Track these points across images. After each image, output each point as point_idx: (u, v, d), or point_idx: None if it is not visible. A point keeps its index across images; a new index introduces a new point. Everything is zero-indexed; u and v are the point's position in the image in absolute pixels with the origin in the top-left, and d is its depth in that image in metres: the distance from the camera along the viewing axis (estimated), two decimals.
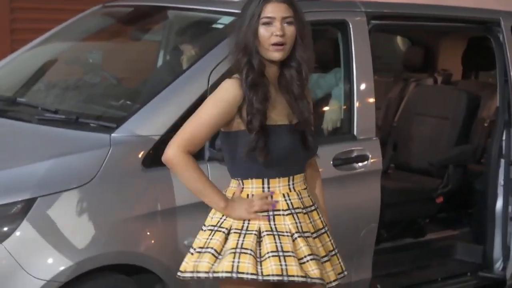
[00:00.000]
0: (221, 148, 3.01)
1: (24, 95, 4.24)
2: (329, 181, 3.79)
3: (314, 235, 2.88)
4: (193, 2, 4.37)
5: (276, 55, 2.71)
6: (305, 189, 2.93)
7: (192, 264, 2.83)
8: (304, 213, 2.88)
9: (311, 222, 2.89)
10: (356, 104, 4.04)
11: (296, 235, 2.78)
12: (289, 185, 2.87)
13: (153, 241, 3.42)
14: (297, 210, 2.85)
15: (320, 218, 2.95)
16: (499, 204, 4.67)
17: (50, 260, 3.13)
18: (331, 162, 3.90)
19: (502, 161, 4.64)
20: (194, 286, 3.51)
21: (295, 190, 2.88)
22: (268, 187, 2.85)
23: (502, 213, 4.66)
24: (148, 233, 3.40)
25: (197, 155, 3.51)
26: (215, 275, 2.74)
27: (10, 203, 3.08)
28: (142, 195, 3.41)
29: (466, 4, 5.15)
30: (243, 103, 2.73)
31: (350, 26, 4.05)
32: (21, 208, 3.09)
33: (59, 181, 3.21)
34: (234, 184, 2.90)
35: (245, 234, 2.76)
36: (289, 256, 2.72)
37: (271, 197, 2.84)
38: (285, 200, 2.85)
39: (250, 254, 2.70)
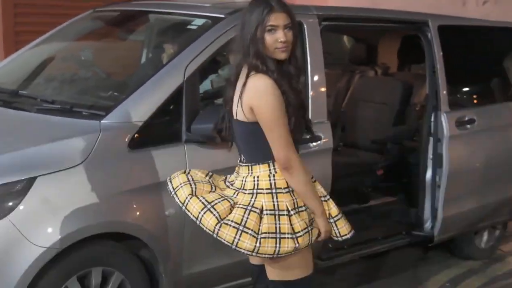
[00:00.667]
0: (242, 137, 2.79)
1: (25, 88, 4.11)
2: None
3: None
4: (171, 7, 4.26)
5: (282, 55, 2.67)
6: None
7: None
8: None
9: None
10: (310, 93, 3.95)
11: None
12: None
13: (139, 212, 3.31)
14: None
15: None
16: (429, 174, 4.64)
17: (49, 230, 3.03)
18: None
19: (431, 139, 4.61)
20: (174, 252, 3.44)
21: None
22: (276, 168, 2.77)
23: (431, 182, 4.64)
24: (135, 206, 3.30)
25: (174, 138, 3.46)
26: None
27: (14, 182, 2.99)
28: (128, 173, 3.31)
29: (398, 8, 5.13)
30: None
31: (305, 26, 3.96)
32: (23, 185, 3.00)
33: (56, 162, 3.11)
34: (263, 168, 2.73)
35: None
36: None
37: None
38: None
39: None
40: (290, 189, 2.73)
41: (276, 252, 2.66)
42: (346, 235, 2.86)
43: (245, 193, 2.75)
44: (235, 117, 2.77)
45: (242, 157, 2.83)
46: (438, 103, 4.56)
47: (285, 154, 2.66)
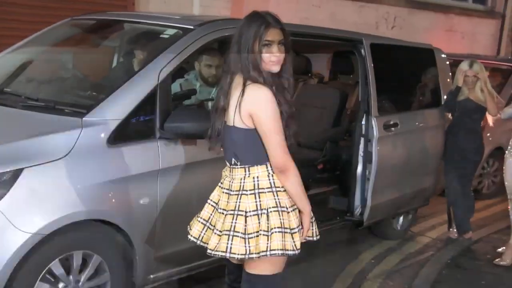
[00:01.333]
0: (239, 142, 2.54)
1: (9, 86, 3.75)
2: None
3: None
4: (144, 18, 3.98)
5: (274, 68, 2.50)
6: None
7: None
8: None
9: None
10: None
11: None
12: None
13: (116, 201, 3.05)
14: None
15: None
16: (359, 169, 4.52)
17: (34, 217, 2.77)
18: None
19: (362, 139, 4.50)
20: (147, 236, 3.20)
21: None
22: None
23: (361, 175, 4.52)
24: (113, 195, 3.03)
25: (148, 135, 3.22)
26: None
27: (1, 172, 2.70)
28: (107, 166, 3.03)
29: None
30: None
31: None
32: (10, 176, 2.72)
33: (41, 155, 2.82)
34: (261, 169, 2.52)
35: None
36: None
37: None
38: None
39: None
40: (274, 189, 2.53)
41: (283, 247, 2.48)
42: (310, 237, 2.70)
43: (247, 195, 2.52)
44: (231, 124, 2.52)
45: (234, 160, 2.56)
46: (370, 109, 4.45)
47: (281, 159, 2.48)
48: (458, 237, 5.29)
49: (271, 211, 2.48)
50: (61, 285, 2.92)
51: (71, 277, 2.95)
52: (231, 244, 2.49)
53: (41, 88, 3.65)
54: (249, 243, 2.49)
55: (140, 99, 3.15)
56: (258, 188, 2.51)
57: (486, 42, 13.01)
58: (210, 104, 3.95)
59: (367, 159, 4.48)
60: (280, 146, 2.45)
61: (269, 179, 2.52)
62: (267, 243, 2.45)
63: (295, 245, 2.49)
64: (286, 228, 2.48)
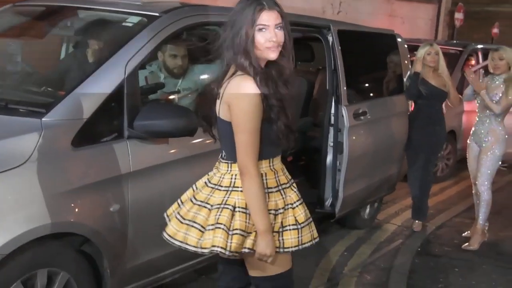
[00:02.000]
0: (221, 137, 2.30)
1: None
2: (218, 151, 3.26)
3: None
4: (101, 4, 3.49)
5: (272, 55, 2.15)
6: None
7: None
8: (288, 186, 2.36)
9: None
10: None
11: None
12: (280, 162, 2.35)
13: (84, 211, 2.62)
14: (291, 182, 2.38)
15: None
16: (329, 159, 4.27)
17: None
18: None
19: (331, 128, 4.25)
20: (119, 246, 2.83)
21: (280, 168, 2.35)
22: (273, 165, 2.28)
23: (331, 166, 4.28)
24: (80, 204, 2.60)
25: (116, 133, 2.83)
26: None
27: None
28: (72, 172, 2.60)
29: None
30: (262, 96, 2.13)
31: None
32: None
33: None
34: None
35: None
36: None
37: (276, 172, 2.31)
38: (284, 174, 2.37)
39: None
40: (266, 191, 2.23)
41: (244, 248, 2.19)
42: (310, 241, 2.35)
43: (220, 190, 2.24)
44: (218, 114, 2.23)
45: (223, 153, 2.30)
46: (339, 97, 4.21)
47: (242, 160, 2.16)
48: (421, 227, 5.15)
49: (238, 211, 2.19)
50: None
51: None
52: (187, 234, 2.27)
53: None
54: (202, 236, 2.24)
55: (106, 95, 2.73)
56: (233, 186, 2.24)
57: (425, 27, 13.17)
58: (176, 97, 3.59)
59: (338, 150, 4.26)
60: (243, 146, 2.14)
61: None
62: (227, 241, 2.17)
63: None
64: (246, 232, 2.19)
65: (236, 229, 2.16)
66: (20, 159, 2.42)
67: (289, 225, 2.27)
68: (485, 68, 5.41)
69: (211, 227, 2.20)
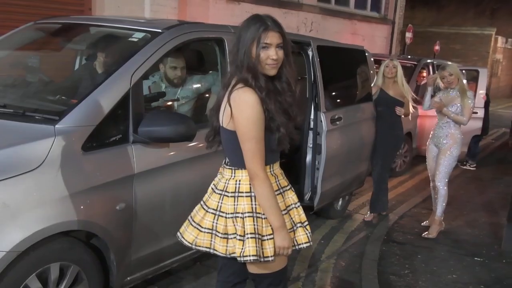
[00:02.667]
0: (224, 145, 2.14)
1: None
2: (216, 153, 3.08)
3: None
4: (111, 22, 3.31)
5: (272, 72, 2.03)
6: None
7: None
8: (289, 189, 2.25)
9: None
10: None
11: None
12: (279, 167, 2.23)
13: (93, 210, 2.46)
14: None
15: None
16: (309, 159, 4.17)
17: (9, 234, 2.15)
18: None
19: (311, 132, 4.14)
20: (124, 241, 2.66)
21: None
22: (273, 170, 2.15)
23: (311, 164, 4.17)
24: (89, 204, 2.44)
25: (122, 139, 2.66)
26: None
27: None
28: (82, 174, 2.43)
29: None
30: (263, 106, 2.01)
31: (225, 42, 3.26)
32: None
33: (13, 167, 2.20)
34: (245, 173, 2.07)
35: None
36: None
37: (276, 177, 2.18)
38: (283, 178, 2.24)
39: None
40: (281, 190, 2.15)
41: (258, 253, 2.04)
42: (306, 242, 2.21)
43: (228, 196, 2.11)
44: (221, 124, 2.08)
45: (227, 160, 2.15)
46: (318, 105, 4.10)
47: (251, 167, 2.02)
48: (373, 218, 5.04)
49: (245, 216, 2.06)
50: None
51: None
52: (214, 242, 2.12)
53: (7, 94, 2.93)
54: (227, 243, 2.10)
55: (114, 103, 2.57)
56: (238, 192, 2.09)
57: (382, 43, 13.21)
58: (176, 104, 3.42)
59: (316, 151, 4.14)
60: (251, 152, 2.00)
61: (250, 184, 2.08)
62: (242, 248, 2.04)
63: (262, 252, 2.06)
64: (259, 235, 2.05)
65: (248, 233, 2.04)
66: (35, 163, 2.25)
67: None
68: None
69: (233, 236, 2.08)
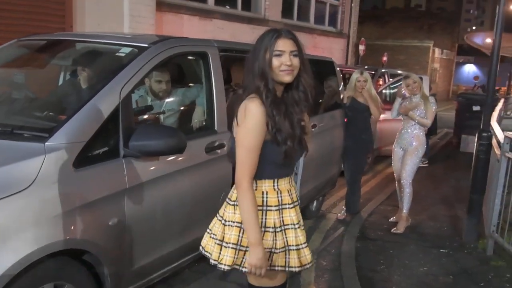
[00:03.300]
0: (233, 152, 1.88)
1: None
2: (204, 163, 2.90)
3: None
4: (97, 37, 3.03)
5: (287, 78, 1.83)
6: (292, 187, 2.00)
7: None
8: (292, 208, 1.97)
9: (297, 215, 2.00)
10: (216, 108, 3.05)
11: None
12: (289, 183, 1.98)
13: (86, 227, 2.19)
14: (295, 204, 1.99)
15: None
16: None
17: (0, 257, 1.86)
18: (204, 150, 2.93)
19: None
20: (117, 255, 2.41)
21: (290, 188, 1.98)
22: (277, 185, 1.92)
23: None
24: (82, 221, 2.17)
25: (112, 153, 2.41)
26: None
27: None
28: (74, 192, 2.16)
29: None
30: (267, 118, 1.80)
31: (209, 55, 3.04)
32: None
33: (3, 188, 1.92)
34: None
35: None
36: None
37: (280, 192, 1.91)
38: (289, 195, 1.96)
39: None
40: (265, 208, 1.88)
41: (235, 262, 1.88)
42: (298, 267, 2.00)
43: (229, 204, 1.92)
44: (233, 134, 1.89)
45: None
46: None
47: (237, 175, 1.83)
48: (346, 217, 4.94)
49: (232, 225, 1.89)
50: None
51: None
52: (221, 254, 1.93)
53: None
54: (220, 251, 1.92)
55: (104, 118, 2.31)
56: (236, 200, 1.90)
57: (338, 55, 13.26)
58: (162, 117, 3.17)
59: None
60: (240, 161, 1.81)
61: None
62: (219, 253, 1.90)
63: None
64: (241, 245, 1.88)
65: (229, 243, 1.86)
66: (26, 182, 1.97)
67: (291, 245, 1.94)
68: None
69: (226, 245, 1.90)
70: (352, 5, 13.15)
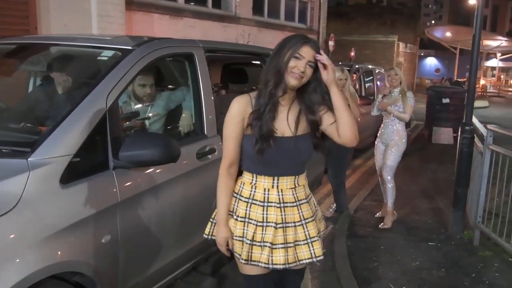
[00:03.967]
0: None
1: None
2: (196, 170, 2.74)
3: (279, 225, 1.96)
4: (75, 40, 2.79)
5: (292, 81, 1.88)
6: (291, 188, 2.00)
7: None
8: (277, 207, 1.96)
9: (281, 215, 1.95)
10: (204, 111, 2.89)
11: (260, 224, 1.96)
12: (272, 183, 1.96)
13: (78, 247, 2.00)
14: (270, 204, 1.96)
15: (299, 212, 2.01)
16: None
17: None
18: (195, 156, 2.77)
19: None
20: (111, 273, 2.22)
21: (277, 188, 1.97)
22: (255, 181, 1.97)
23: None
24: (73, 242, 1.98)
25: (101, 166, 2.21)
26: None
27: None
28: (63, 210, 1.96)
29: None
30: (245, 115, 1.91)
31: (195, 56, 2.88)
32: None
33: None
34: (246, 175, 2.00)
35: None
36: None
37: (255, 188, 1.97)
38: (264, 194, 1.97)
39: None
40: (238, 196, 1.99)
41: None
42: (320, 256, 2.07)
43: (242, 200, 2.03)
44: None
45: None
46: None
47: (221, 164, 1.99)
48: (333, 214, 4.88)
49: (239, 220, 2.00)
50: None
51: None
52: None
53: None
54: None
55: (91, 128, 2.11)
56: (240, 194, 2.02)
57: None
58: (147, 123, 2.98)
59: None
60: (223, 153, 1.98)
61: (239, 186, 2.02)
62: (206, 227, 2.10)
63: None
64: (213, 219, 2.07)
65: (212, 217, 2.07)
66: (9, 204, 1.77)
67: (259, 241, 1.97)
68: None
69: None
70: (321, 1, 13.15)
